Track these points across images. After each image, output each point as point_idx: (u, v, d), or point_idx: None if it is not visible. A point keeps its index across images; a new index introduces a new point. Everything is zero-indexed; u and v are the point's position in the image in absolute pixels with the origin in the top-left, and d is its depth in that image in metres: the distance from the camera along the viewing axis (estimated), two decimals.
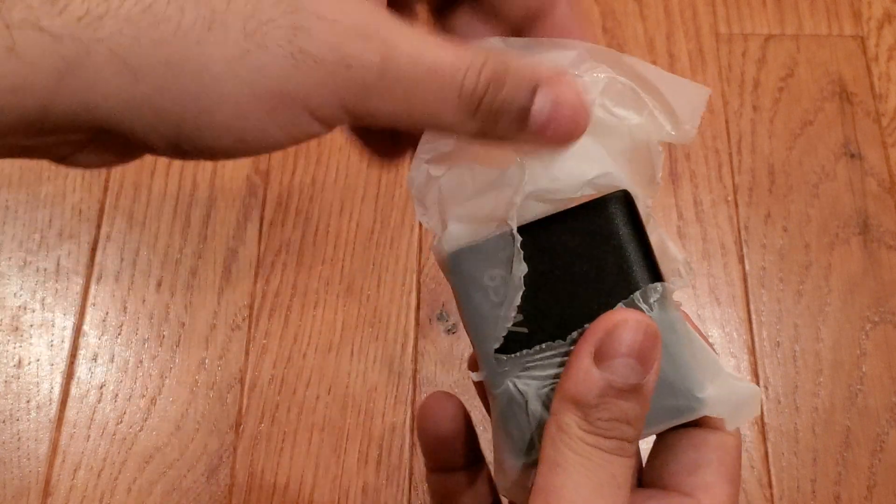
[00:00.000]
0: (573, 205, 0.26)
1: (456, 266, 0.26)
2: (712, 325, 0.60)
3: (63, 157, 0.22)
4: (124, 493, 0.56)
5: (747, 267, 0.62)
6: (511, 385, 0.25)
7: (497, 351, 0.26)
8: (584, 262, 0.25)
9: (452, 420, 0.29)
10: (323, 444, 0.57)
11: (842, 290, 0.61)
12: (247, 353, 0.59)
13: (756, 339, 0.60)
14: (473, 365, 0.27)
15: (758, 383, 0.59)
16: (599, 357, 0.23)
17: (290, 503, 0.56)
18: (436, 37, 0.23)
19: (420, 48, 0.22)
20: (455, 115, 0.23)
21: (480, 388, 0.28)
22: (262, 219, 0.63)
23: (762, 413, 0.58)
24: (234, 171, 0.65)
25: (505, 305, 0.25)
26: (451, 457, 0.30)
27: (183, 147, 0.21)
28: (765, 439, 0.57)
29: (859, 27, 0.70)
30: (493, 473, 0.28)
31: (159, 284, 0.61)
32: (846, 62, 0.68)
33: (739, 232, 0.63)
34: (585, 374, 0.23)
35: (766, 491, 0.56)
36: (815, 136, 0.66)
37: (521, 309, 0.25)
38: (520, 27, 0.27)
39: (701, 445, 0.27)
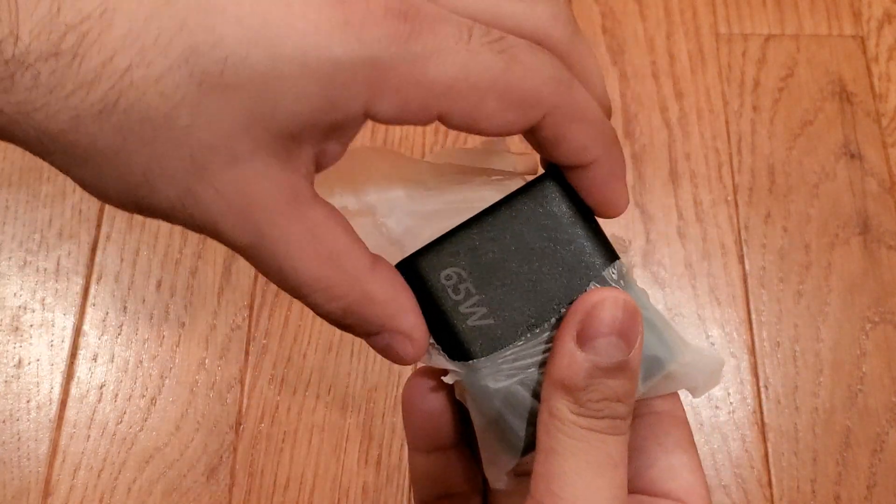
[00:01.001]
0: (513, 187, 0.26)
1: (409, 274, 0.26)
2: (712, 325, 0.60)
3: None
4: (124, 493, 0.56)
5: (747, 267, 0.62)
6: (493, 381, 0.25)
7: (468, 351, 0.25)
8: (538, 247, 0.25)
9: (441, 394, 0.29)
10: (323, 444, 0.57)
11: (842, 290, 0.61)
12: (247, 353, 0.59)
13: (756, 339, 0.60)
14: (440, 370, 0.27)
15: (758, 383, 0.59)
16: (582, 339, 0.24)
17: (289, 503, 0.56)
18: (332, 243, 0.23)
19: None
20: None
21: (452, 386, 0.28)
22: None
23: (762, 413, 0.58)
24: None
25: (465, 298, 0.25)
26: (441, 433, 0.29)
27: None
28: (765, 439, 0.57)
29: (859, 27, 0.70)
30: (484, 469, 0.28)
31: (159, 284, 0.61)
32: (846, 62, 0.68)
33: (739, 232, 0.63)
34: (570, 357, 0.24)
35: (766, 491, 0.56)
36: (815, 136, 0.66)
37: (483, 301, 0.25)
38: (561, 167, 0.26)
39: (665, 441, 0.28)
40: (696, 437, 0.57)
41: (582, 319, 0.24)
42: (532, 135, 0.24)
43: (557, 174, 0.26)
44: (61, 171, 0.21)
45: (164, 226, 0.63)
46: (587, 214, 0.26)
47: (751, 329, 0.60)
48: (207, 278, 0.61)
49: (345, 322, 0.24)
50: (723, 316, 0.60)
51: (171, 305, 0.61)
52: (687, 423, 0.29)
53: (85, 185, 0.21)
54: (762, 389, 0.58)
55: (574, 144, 0.24)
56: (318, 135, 0.22)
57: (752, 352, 0.59)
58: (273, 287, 0.61)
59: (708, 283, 0.62)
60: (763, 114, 0.67)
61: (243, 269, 0.62)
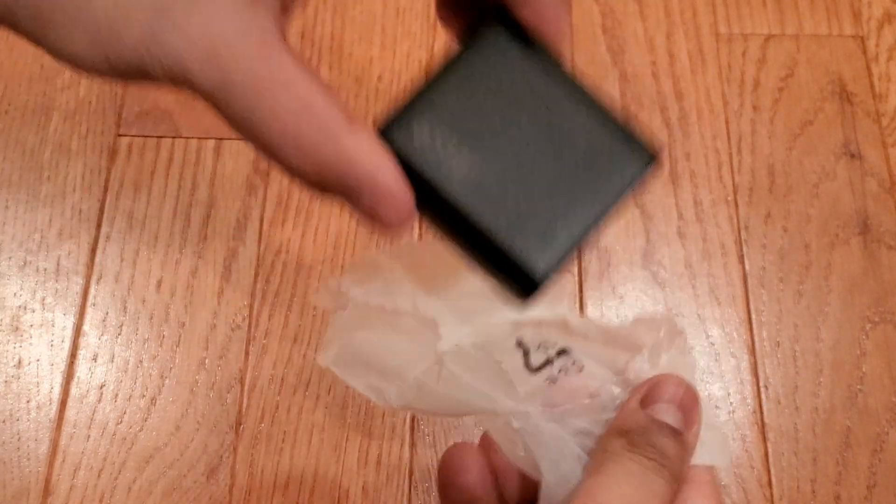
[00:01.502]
0: None
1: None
2: (712, 325, 0.60)
3: None
4: (124, 493, 0.56)
5: (747, 267, 0.62)
6: (545, 423, 0.26)
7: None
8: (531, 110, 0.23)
9: (480, 470, 0.29)
10: (323, 444, 0.57)
11: (842, 290, 0.61)
12: (247, 353, 0.59)
13: (756, 339, 0.60)
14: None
15: (758, 383, 0.59)
16: (645, 402, 0.26)
17: (290, 503, 0.56)
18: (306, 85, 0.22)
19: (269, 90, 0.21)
20: None
21: None
22: (262, 219, 0.63)
23: (762, 413, 0.58)
24: (234, 170, 0.65)
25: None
26: None
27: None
28: (765, 439, 0.57)
29: (859, 27, 0.70)
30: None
31: (159, 284, 0.61)
32: (846, 62, 0.68)
33: (739, 232, 0.63)
34: (632, 411, 0.26)
35: (766, 491, 0.56)
36: (815, 136, 0.66)
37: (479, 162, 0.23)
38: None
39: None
40: None
41: (648, 388, 0.27)
42: None
43: (505, 16, 0.24)
44: (34, 41, 0.21)
45: (164, 226, 0.63)
46: (577, 82, 0.24)
47: (751, 329, 0.60)
48: (207, 278, 0.61)
49: (320, 181, 0.22)
50: (723, 316, 0.61)
51: (171, 305, 0.61)
52: (716, 487, 0.30)
53: (58, 51, 0.21)
54: (762, 389, 0.58)
55: None
56: None
57: (752, 352, 0.59)
58: (273, 287, 0.61)
59: (708, 283, 0.62)
60: (763, 114, 0.67)
61: (243, 268, 0.62)
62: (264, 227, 0.63)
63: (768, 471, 0.56)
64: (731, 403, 0.58)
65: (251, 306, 0.60)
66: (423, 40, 0.69)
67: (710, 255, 0.62)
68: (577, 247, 0.23)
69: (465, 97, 0.23)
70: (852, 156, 0.65)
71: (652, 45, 0.69)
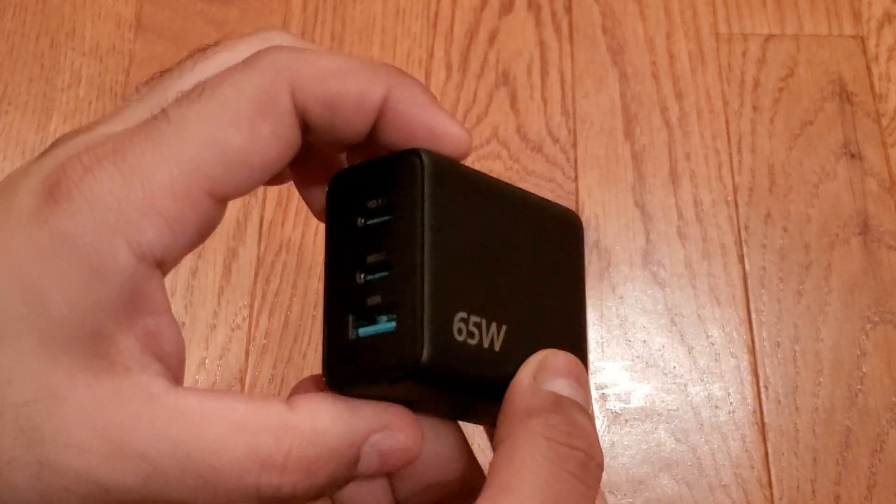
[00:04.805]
0: None
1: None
2: (712, 325, 0.60)
3: None
4: None
5: (747, 267, 0.62)
6: None
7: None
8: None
9: None
10: None
11: (842, 290, 0.61)
12: (247, 353, 0.59)
13: (756, 339, 0.60)
14: None
15: (758, 383, 0.59)
16: (539, 378, 0.23)
17: None
18: (226, 407, 0.20)
19: (193, 447, 0.19)
20: None
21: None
22: (262, 219, 0.63)
23: (762, 413, 0.58)
24: None
25: None
26: None
27: None
28: (765, 439, 0.57)
29: (859, 27, 0.70)
30: None
31: None
32: (846, 62, 0.68)
33: (739, 232, 0.63)
34: (531, 390, 0.23)
35: (766, 491, 0.56)
36: (815, 136, 0.66)
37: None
38: (362, 142, 0.22)
39: None
40: (696, 437, 0.57)
41: (538, 364, 0.23)
42: (325, 132, 0.21)
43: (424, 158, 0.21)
44: None
45: None
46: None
47: (751, 329, 0.60)
48: (207, 278, 0.61)
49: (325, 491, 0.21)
50: (723, 316, 0.61)
51: (171, 305, 0.60)
52: None
53: None
54: (762, 389, 0.58)
55: (347, 95, 0.21)
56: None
57: (752, 352, 0.59)
58: (273, 287, 0.61)
59: (708, 283, 0.62)
60: (763, 114, 0.67)
61: (243, 268, 0.62)
62: (264, 227, 0.63)
63: (768, 471, 0.56)
64: (731, 403, 0.58)
65: (251, 306, 0.60)
66: (423, 40, 0.69)
67: (710, 255, 0.62)
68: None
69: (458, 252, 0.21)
70: (852, 156, 0.65)
71: (652, 45, 0.69)
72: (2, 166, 0.65)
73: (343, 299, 0.21)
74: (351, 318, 0.21)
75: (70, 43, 0.69)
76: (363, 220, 0.21)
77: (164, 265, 0.21)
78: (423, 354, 0.20)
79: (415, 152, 0.21)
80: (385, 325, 0.21)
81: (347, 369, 0.21)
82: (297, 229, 0.63)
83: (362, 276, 0.21)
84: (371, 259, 0.21)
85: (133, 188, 0.19)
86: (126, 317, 0.20)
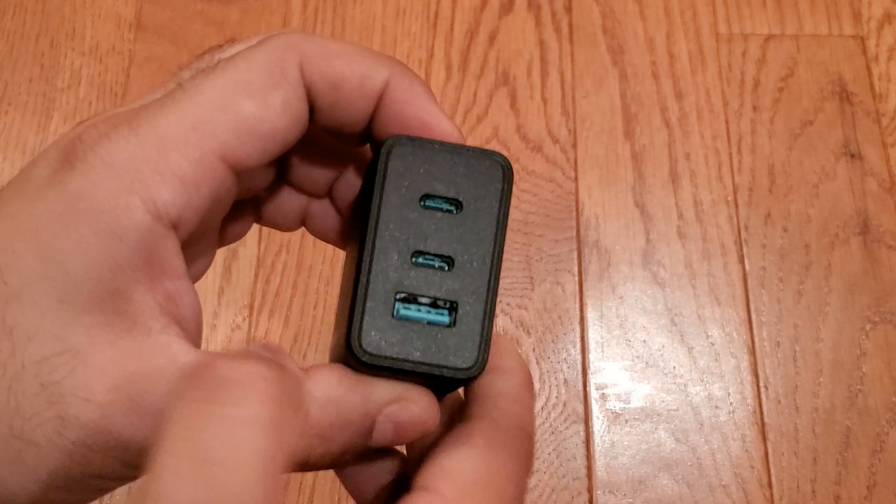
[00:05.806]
0: None
1: None
2: (712, 325, 0.60)
3: None
4: (125, 493, 0.56)
5: (747, 267, 0.62)
6: None
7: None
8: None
9: None
10: None
11: (842, 290, 0.61)
12: None
13: (756, 339, 0.60)
14: None
15: (758, 383, 0.59)
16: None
17: (289, 503, 0.56)
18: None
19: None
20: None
21: None
22: None
23: (762, 413, 0.58)
24: None
25: None
26: None
27: None
28: (765, 439, 0.57)
29: (859, 27, 0.70)
30: None
31: None
32: (846, 62, 0.68)
33: (739, 232, 0.63)
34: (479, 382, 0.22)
35: (766, 491, 0.56)
36: (815, 136, 0.66)
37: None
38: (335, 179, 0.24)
39: None
40: (695, 437, 0.58)
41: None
42: (330, 113, 0.22)
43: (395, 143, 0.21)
44: None
45: None
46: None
47: (751, 329, 0.60)
48: (207, 278, 0.61)
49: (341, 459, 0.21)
50: (723, 316, 0.61)
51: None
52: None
53: None
54: (762, 389, 0.58)
55: (351, 77, 0.21)
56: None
57: (752, 352, 0.59)
58: (273, 287, 0.61)
59: (708, 283, 0.62)
60: (763, 114, 0.67)
61: (243, 268, 0.62)
62: (264, 227, 0.63)
63: (768, 471, 0.56)
64: (731, 403, 0.58)
65: (251, 306, 0.60)
66: (423, 40, 0.69)
67: (710, 255, 0.62)
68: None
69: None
70: (852, 156, 0.65)
71: (652, 45, 0.69)
72: (2, 166, 0.65)
73: (389, 274, 0.21)
74: (397, 295, 0.21)
75: (70, 43, 0.69)
76: (427, 203, 0.21)
77: (179, 228, 0.21)
78: (481, 367, 0.20)
79: (500, 156, 0.21)
80: (437, 316, 0.21)
81: (382, 344, 0.21)
82: (297, 230, 0.63)
83: (419, 258, 0.21)
84: (432, 247, 0.21)
85: (147, 149, 0.20)
86: (146, 277, 0.20)
